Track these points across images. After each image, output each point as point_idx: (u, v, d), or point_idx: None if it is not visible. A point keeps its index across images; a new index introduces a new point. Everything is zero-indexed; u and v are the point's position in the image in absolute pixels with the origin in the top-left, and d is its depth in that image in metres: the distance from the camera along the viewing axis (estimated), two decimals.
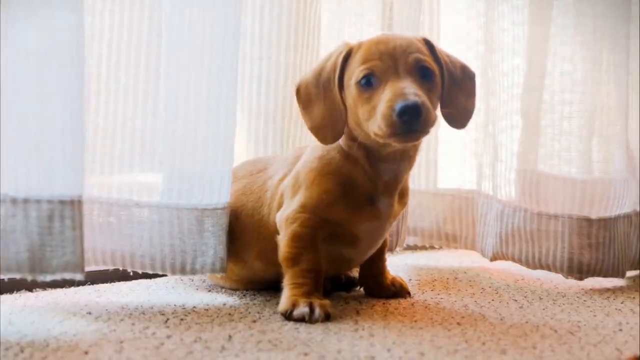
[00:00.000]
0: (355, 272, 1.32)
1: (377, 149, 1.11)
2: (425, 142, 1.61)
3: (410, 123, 1.00)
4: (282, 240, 1.13)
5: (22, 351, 0.88)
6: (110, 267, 1.18)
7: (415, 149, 1.15)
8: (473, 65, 1.57)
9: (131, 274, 1.23)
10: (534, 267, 1.45)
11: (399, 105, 1.00)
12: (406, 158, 1.14)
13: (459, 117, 1.14)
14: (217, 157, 1.17)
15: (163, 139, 1.17)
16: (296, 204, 1.12)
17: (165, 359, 0.87)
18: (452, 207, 1.62)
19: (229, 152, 1.18)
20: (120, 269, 1.18)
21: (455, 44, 1.64)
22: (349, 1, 1.53)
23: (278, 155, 1.31)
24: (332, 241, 1.14)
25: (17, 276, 1.00)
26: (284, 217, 1.13)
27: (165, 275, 1.32)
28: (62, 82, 1.01)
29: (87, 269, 1.27)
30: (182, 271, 1.17)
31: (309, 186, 1.13)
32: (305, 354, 0.90)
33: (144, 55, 1.18)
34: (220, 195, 1.17)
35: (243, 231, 1.20)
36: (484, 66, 1.55)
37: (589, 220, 1.41)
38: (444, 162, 1.68)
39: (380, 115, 1.02)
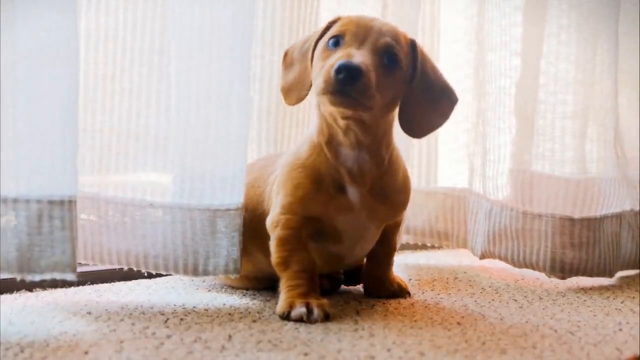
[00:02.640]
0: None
1: (332, 125, 1.11)
2: (417, 140, 1.62)
3: (344, 83, 1.00)
4: (272, 246, 1.13)
5: (22, 351, 0.88)
6: (125, 267, 1.18)
7: (377, 145, 1.12)
8: (471, 65, 1.58)
9: (146, 273, 1.22)
10: (519, 266, 1.45)
11: (339, 62, 1.01)
12: (364, 149, 1.12)
13: (418, 126, 1.15)
14: (229, 156, 1.17)
15: (175, 138, 1.17)
16: (277, 206, 1.13)
17: (165, 359, 0.87)
18: (445, 205, 1.62)
19: (242, 151, 1.18)
20: (135, 269, 1.18)
21: (453, 43, 1.64)
22: (349, 0, 1.53)
23: (286, 152, 1.31)
24: (318, 238, 1.14)
25: (6, 275, 1.01)
26: (269, 221, 1.14)
27: (167, 275, 1.32)
28: (54, 82, 1.00)
29: (90, 268, 1.28)
30: (195, 272, 1.17)
31: (284, 184, 1.13)
32: (305, 354, 0.90)
33: (157, 54, 1.19)
34: (233, 195, 1.17)
35: (249, 223, 1.20)
36: (477, 66, 1.55)
37: (571, 220, 1.41)
38: (438, 160, 1.67)
39: (324, 70, 1.03)
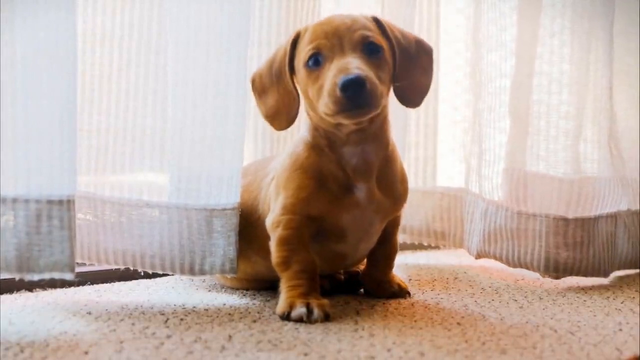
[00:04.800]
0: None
1: (335, 132, 1.11)
2: (414, 140, 1.61)
3: (354, 97, 1.01)
4: (272, 246, 1.13)
5: (22, 351, 0.88)
6: (122, 267, 1.19)
7: (380, 129, 1.13)
8: (470, 65, 1.58)
9: (142, 273, 1.23)
10: (514, 266, 1.45)
11: (341, 80, 1.01)
12: (370, 139, 1.12)
13: (412, 93, 1.15)
14: (225, 156, 1.17)
15: (172, 138, 1.17)
16: (278, 207, 1.13)
17: (165, 359, 0.87)
18: (442, 205, 1.62)
19: (239, 151, 1.18)
20: (131, 268, 1.18)
21: (453, 43, 1.63)
22: (348, 1, 1.52)
23: (278, 155, 1.31)
24: (321, 238, 1.14)
25: (5, 275, 1.01)
26: (270, 222, 1.14)
27: (167, 275, 1.32)
28: (53, 81, 1.01)
29: (90, 269, 1.28)
30: (191, 272, 1.17)
31: (284, 186, 1.13)
32: (305, 354, 0.90)
33: (153, 54, 1.19)
34: (229, 195, 1.17)
35: (246, 227, 1.20)
36: (475, 66, 1.55)
37: (565, 220, 1.41)
38: (437, 160, 1.67)
39: (326, 93, 1.03)
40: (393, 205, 1.18)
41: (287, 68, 1.12)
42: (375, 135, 1.13)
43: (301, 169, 1.13)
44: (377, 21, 1.13)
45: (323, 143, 1.13)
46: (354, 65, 1.03)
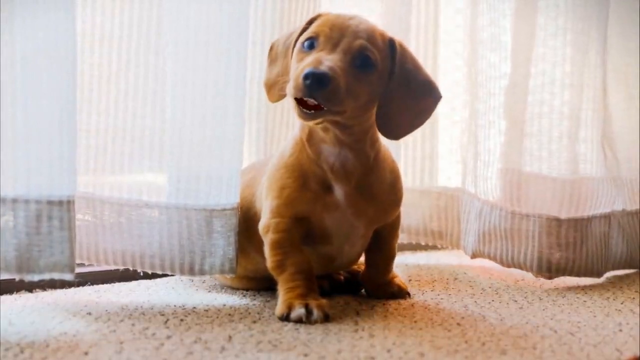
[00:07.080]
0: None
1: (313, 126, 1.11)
2: (412, 140, 1.61)
3: (311, 89, 1.00)
4: (266, 250, 1.13)
5: (22, 352, 0.88)
6: (121, 267, 1.19)
7: (359, 142, 1.12)
8: (468, 64, 1.58)
9: (141, 273, 1.22)
10: (508, 266, 1.46)
11: (306, 69, 1.01)
12: (345, 145, 1.11)
13: (396, 125, 1.12)
14: (224, 156, 1.17)
15: (171, 138, 1.17)
16: (267, 210, 1.13)
17: None
18: (439, 204, 1.62)
19: (238, 151, 1.18)
20: (130, 268, 1.19)
21: (452, 43, 1.63)
22: (347, 2, 1.52)
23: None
24: (308, 240, 1.14)
25: (5, 276, 1.01)
26: (261, 226, 1.14)
27: (167, 276, 1.32)
28: (53, 81, 1.01)
29: (90, 269, 1.28)
30: (191, 272, 1.18)
31: (271, 186, 1.14)
32: (305, 355, 0.90)
33: (153, 55, 1.19)
34: (229, 195, 1.17)
35: (246, 223, 1.20)
36: (470, 67, 1.55)
37: (558, 220, 1.42)
38: (438, 160, 1.67)
39: (295, 75, 1.03)
40: (379, 213, 1.17)
41: (293, 44, 1.12)
42: (352, 146, 1.12)
43: (285, 167, 1.13)
44: (391, 44, 1.11)
45: (305, 136, 1.12)
46: (328, 63, 1.02)
